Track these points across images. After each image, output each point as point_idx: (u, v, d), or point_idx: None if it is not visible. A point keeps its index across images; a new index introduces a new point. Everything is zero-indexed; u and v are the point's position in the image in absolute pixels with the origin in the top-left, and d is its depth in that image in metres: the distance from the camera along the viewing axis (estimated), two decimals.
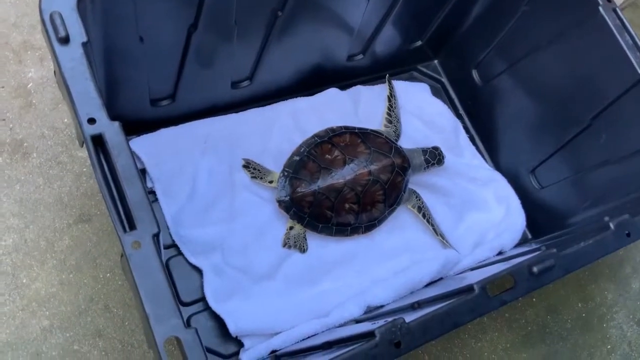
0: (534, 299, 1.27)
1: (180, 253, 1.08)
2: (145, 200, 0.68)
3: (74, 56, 0.72)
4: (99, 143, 0.70)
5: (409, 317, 0.78)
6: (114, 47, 0.91)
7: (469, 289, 0.77)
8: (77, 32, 0.73)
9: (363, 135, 1.18)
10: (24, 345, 0.95)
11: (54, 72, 0.75)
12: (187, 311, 1.05)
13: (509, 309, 1.25)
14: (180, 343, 0.64)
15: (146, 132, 1.12)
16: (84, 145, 0.70)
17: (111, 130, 0.70)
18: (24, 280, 0.99)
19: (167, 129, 1.13)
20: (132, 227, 0.66)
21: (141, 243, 0.66)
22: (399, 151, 1.18)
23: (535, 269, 0.79)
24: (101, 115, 0.70)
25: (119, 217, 0.66)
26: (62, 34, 0.72)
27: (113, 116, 1.05)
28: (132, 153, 1.05)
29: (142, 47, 0.93)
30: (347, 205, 1.13)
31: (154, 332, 0.63)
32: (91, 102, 0.71)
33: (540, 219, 1.28)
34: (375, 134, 1.20)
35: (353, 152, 1.15)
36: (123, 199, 0.68)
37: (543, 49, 1.19)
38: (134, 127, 1.11)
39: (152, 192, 1.11)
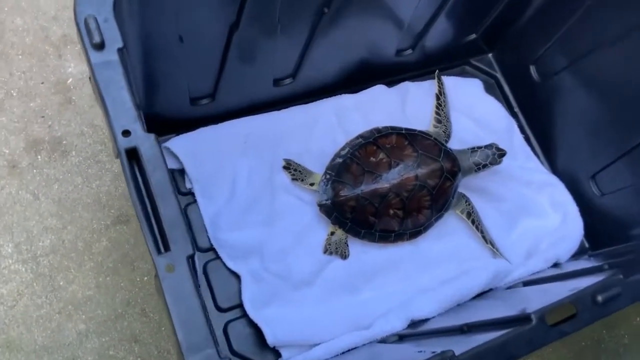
0: None
1: (218, 257, 1.05)
2: (179, 219, 0.64)
3: (108, 63, 0.68)
4: (133, 156, 0.66)
5: (457, 342, 0.73)
6: (152, 47, 0.87)
7: (525, 318, 0.71)
8: (113, 38, 0.69)
9: (410, 137, 1.12)
10: (60, 349, 0.94)
11: (89, 77, 0.71)
12: (224, 317, 1.02)
13: None
14: None
15: (185, 131, 1.09)
16: (119, 157, 0.66)
17: (146, 144, 0.66)
18: (61, 283, 0.98)
19: (206, 128, 1.09)
20: (167, 248, 0.63)
21: (175, 266, 0.62)
22: (449, 154, 1.11)
23: (599, 298, 0.72)
24: (136, 127, 0.67)
25: (152, 237, 0.63)
26: (96, 39, 0.68)
27: (152, 115, 1.05)
28: (170, 157, 1.07)
29: (181, 47, 0.89)
30: (391, 211, 1.07)
31: None
32: (126, 113, 0.67)
33: (600, 229, 1.20)
34: (423, 135, 1.13)
35: (399, 155, 1.09)
36: (157, 217, 0.64)
37: (608, 46, 1.09)
38: (173, 126, 1.08)
39: (191, 194, 1.08)
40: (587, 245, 1.22)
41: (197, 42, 0.89)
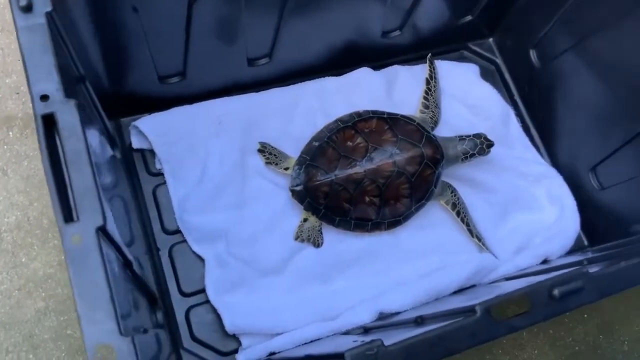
0: (585, 315, 1.11)
1: (185, 240, 1.02)
2: (93, 189, 0.61)
3: (34, 26, 0.66)
4: (51, 123, 0.63)
5: (408, 334, 0.67)
6: (106, 19, 0.84)
7: (470, 309, 0.65)
8: (42, 1, 0.67)
9: (392, 121, 1.06)
10: (17, 325, 0.93)
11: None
12: (187, 302, 1.00)
13: (553, 324, 1.10)
14: (112, 352, 0.56)
15: (158, 112, 1.06)
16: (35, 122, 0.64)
17: (65, 110, 0.63)
18: (23, 259, 0.97)
19: (179, 107, 1.07)
20: (74, 218, 0.60)
21: (82, 237, 0.59)
22: (431, 140, 1.05)
23: (556, 292, 0.65)
24: (56, 93, 0.64)
25: (61, 204, 0.60)
26: (23, 2, 0.66)
27: (122, 93, 1.03)
28: (140, 136, 1.05)
29: (137, 18, 0.86)
30: (367, 198, 1.02)
31: (85, 335, 0.56)
32: (47, 77, 0.64)
33: (600, 224, 1.11)
34: (406, 120, 1.07)
35: (377, 139, 1.03)
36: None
37: (614, 25, 1.00)
38: (145, 105, 1.06)
39: (161, 174, 1.05)
40: (585, 241, 1.13)
41: (154, 13, 0.86)
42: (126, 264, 0.72)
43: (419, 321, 0.77)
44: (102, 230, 0.61)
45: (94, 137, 0.80)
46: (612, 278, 0.67)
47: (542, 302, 0.66)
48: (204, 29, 0.94)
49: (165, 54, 0.96)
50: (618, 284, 0.67)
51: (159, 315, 0.90)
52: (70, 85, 0.70)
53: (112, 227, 0.64)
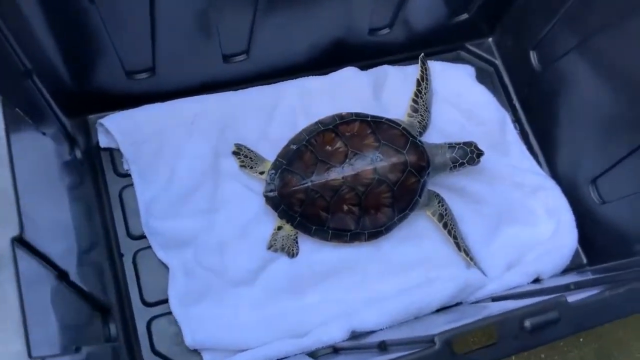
0: (581, 339, 1.02)
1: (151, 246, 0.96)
2: (8, 195, 0.55)
3: None
4: None
5: None
6: (59, 11, 0.79)
7: (429, 340, 0.58)
8: None
9: (375, 125, 0.99)
10: None
11: None
12: (149, 313, 0.94)
13: (545, 349, 1.02)
14: None
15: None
16: None
17: None
18: None
19: (149, 105, 1.01)
20: None
21: None
22: (416, 147, 0.97)
23: (528, 323, 0.58)
24: None
25: None
26: None
27: (88, 90, 0.98)
28: (107, 134, 1.00)
29: (94, 9, 0.80)
30: (345, 207, 0.95)
31: None
32: None
33: (599, 241, 1.03)
34: (390, 124, 1.00)
35: (358, 144, 0.96)
36: None
37: (619, 25, 0.92)
38: (114, 102, 1.00)
39: (128, 175, 1.00)
40: (584, 259, 1.05)
41: (112, 3, 0.80)
42: (61, 275, 0.66)
43: (382, 347, 0.70)
44: (20, 241, 0.55)
45: (40, 135, 0.75)
46: (592, 310, 0.60)
47: (511, 333, 0.58)
48: (171, 22, 0.88)
49: (130, 48, 0.90)
50: (598, 317, 0.60)
51: (113, 328, 0.84)
52: (7, 80, 0.65)
53: (34, 236, 0.58)
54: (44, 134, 0.74)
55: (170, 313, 0.93)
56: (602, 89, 0.98)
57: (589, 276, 0.90)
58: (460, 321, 0.90)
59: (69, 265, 0.73)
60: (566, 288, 0.76)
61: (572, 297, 0.63)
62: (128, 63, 0.93)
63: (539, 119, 1.13)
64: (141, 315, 0.93)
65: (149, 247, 0.96)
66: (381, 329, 0.91)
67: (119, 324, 0.88)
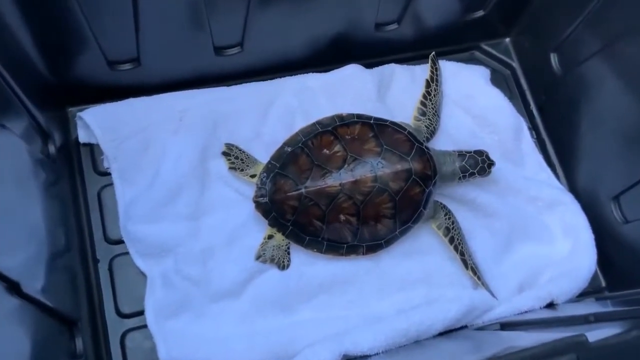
0: None
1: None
2: None
3: None
4: None
5: None
6: None
7: None
8: None
9: (378, 128, 0.91)
10: None
11: None
12: (124, 325, 0.87)
13: None
14: None
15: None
16: None
17: None
18: None
19: (133, 99, 0.93)
20: None
21: None
22: (423, 154, 0.89)
23: None
24: None
25: None
26: None
27: (69, 81, 0.90)
28: (87, 129, 0.92)
29: None
30: (342, 217, 0.87)
31: None
32: None
33: (621, 264, 0.94)
34: (395, 127, 0.91)
35: (358, 148, 0.88)
36: None
37: None
38: (97, 94, 0.93)
39: (109, 174, 0.92)
40: (602, 282, 0.96)
41: None
42: (11, 287, 0.59)
43: None
44: None
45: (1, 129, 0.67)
46: (615, 352, 0.51)
47: None
48: (156, 8, 0.80)
49: (111, 36, 0.83)
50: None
51: (79, 342, 0.77)
52: None
53: None
54: (3, 126, 0.67)
55: (146, 326, 0.85)
56: (628, 97, 0.89)
57: (609, 306, 0.81)
58: (465, 347, 0.82)
59: (28, 273, 0.65)
60: (585, 320, 0.67)
61: (592, 334, 0.54)
62: (110, 52, 0.86)
63: (558, 127, 1.04)
64: (115, 328, 0.86)
65: (128, 252, 0.89)
66: (377, 354, 0.83)
67: (88, 338, 0.81)
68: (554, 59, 1.01)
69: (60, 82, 0.88)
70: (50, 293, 0.71)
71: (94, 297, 0.86)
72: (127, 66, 0.89)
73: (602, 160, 0.96)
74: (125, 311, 0.87)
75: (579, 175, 1.01)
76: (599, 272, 0.96)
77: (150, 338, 0.84)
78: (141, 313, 0.86)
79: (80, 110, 0.92)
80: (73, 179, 0.91)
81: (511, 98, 1.05)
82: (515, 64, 1.11)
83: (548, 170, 1.03)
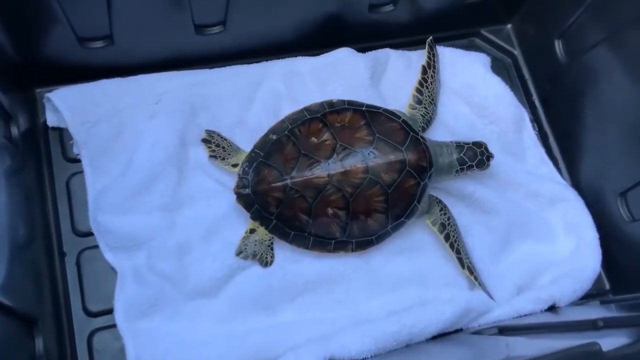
0: None
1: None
2: None
3: None
4: None
5: None
6: None
7: None
8: None
9: (370, 116, 0.84)
10: None
11: None
12: (91, 324, 0.81)
13: None
14: None
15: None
16: None
17: None
18: None
19: (106, 80, 0.87)
20: None
21: None
22: (418, 144, 0.83)
23: None
24: None
25: None
26: None
27: (36, 59, 0.83)
28: (56, 112, 0.84)
29: None
30: (330, 211, 0.81)
31: None
32: None
33: (627, 265, 0.88)
34: (388, 115, 0.85)
35: (349, 137, 0.82)
36: None
37: None
38: (68, 75, 0.86)
39: (79, 161, 0.85)
40: (606, 284, 0.91)
41: None
42: None
43: None
44: None
45: None
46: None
47: None
48: None
49: (81, 10, 0.77)
50: None
51: (40, 343, 0.70)
52: None
53: None
54: None
55: (115, 326, 0.78)
56: (637, 89, 0.84)
57: (614, 310, 0.75)
58: (461, 353, 0.76)
59: None
60: (593, 325, 0.61)
61: (603, 342, 0.48)
62: (80, 28, 0.79)
63: (562, 120, 0.99)
64: (82, 328, 0.80)
65: (97, 245, 0.82)
66: (365, 358, 0.77)
67: (51, 339, 0.74)
68: (558, 46, 0.95)
69: (25, 60, 0.81)
70: (7, 290, 0.65)
71: (59, 293, 0.80)
72: (99, 44, 0.83)
73: (608, 154, 0.91)
74: (93, 309, 0.81)
75: (583, 170, 0.95)
76: (603, 273, 0.91)
77: (120, 339, 0.78)
78: (110, 311, 0.80)
79: (50, 92, 0.85)
80: (39, 165, 0.84)
81: (512, 88, 1.00)
82: (517, 52, 1.05)
83: (550, 164, 0.97)
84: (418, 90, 0.93)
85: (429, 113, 0.92)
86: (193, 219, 0.84)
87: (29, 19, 0.76)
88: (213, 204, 0.85)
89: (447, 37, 1.03)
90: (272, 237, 0.84)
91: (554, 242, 0.91)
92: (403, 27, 0.98)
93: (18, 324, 0.67)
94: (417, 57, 0.98)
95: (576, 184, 0.96)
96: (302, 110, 0.86)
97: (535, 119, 1.01)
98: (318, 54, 0.95)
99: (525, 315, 0.83)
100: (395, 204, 0.82)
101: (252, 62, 0.93)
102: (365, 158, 0.80)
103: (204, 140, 0.87)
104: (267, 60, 0.94)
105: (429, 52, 0.96)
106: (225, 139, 0.87)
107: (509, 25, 1.06)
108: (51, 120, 0.86)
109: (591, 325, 0.62)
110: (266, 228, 0.83)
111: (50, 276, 0.79)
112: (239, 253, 0.83)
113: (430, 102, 0.93)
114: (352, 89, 0.92)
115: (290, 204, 0.80)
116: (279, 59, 0.94)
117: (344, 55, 0.94)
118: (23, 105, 0.83)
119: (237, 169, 0.84)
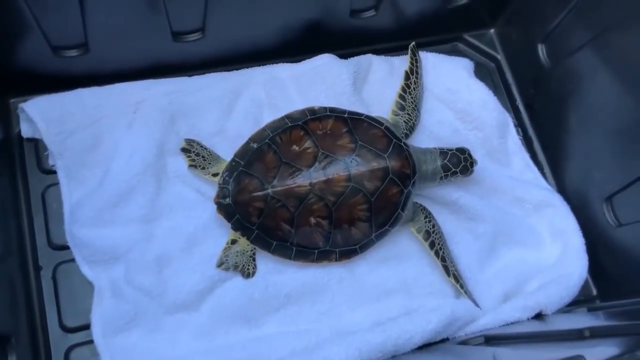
0: None
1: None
2: None
3: None
4: None
5: None
6: None
7: None
8: None
9: (352, 123, 0.83)
10: None
11: None
12: (68, 340, 0.80)
13: None
14: None
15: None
16: None
17: None
18: None
19: (82, 89, 0.85)
20: None
21: None
22: (401, 151, 0.81)
23: None
24: None
25: None
26: None
27: (9, 68, 0.81)
28: (30, 122, 0.81)
29: None
30: (313, 220, 0.79)
31: None
32: None
33: (613, 271, 0.88)
34: (371, 122, 0.84)
35: (331, 145, 0.80)
36: None
37: None
38: (43, 84, 0.85)
39: (55, 172, 0.83)
40: (593, 290, 0.90)
41: None
42: None
43: None
44: None
45: None
46: None
47: None
48: None
49: (54, 18, 0.75)
50: None
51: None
52: None
53: None
54: None
55: (93, 341, 0.76)
56: (622, 91, 0.83)
57: (601, 318, 0.74)
58: None
59: None
60: (580, 335, 0.60)
61: (589, 352, 0.47)
62: (54, 36, 0.78)
63: (546, 124, 0.98)
64: (58, 344, 0.79)
65: (74, 259, 0.80)
66: None
67: (26, 356, 0.72)
68: (541, 50, 0.94)
69: (7, 68, 0.79)
70: None
71: (35, 308, 0.78)
72: (73, 52, 0.81)
73: (593, 158, 0.90)
74: (70, 325, 0.79)
75: (569, 175, 0.94)
76: (590, 279, 0.90)
77: (98, 355, 0.76)
78: (88, 327, 0.78)
79: (24, 102, 0.83)
80: (13, 177, 0.83)
81: (496, 93, 0.99)
82: (500, 57, 1.04)
83: (535, 169, 0.96)
84: (401, 97, 0.92)
85: (412, 119, 0.90)
86: (172, 230, 0.82)
87: (11, 33, 0.74)
88: (193, 215, 0.84)
89: (430, 42, 1.02)
90: (254, 248, 0.82)
91: (540, 249, 0.90)
92: (385, 32, 0.97)
93: None
94: (400, 63, 0.97)
95: (561, 189, 0.95)
96: (283, 118, 0.85)
97: (520, 124, 1.00)
98: (300, 61, 0.93)
99: (512, 323, 0.82)
100: (379, 212, 0.81)
101: (232, 70, 0.92)
102: (348, 166, 0.79)
103: (184, 150, 0.85)
104: (247, 68, 0.92)
105: (411, 58, 0.95)
106: (206, 148, 0.86)
107: (492, 30, 1.05)
108: (26, 131, 0.84)
109: (578, 335, 0.61)
110: (248, 238, 0.81)
111: (25, 291, 0.77)
112: (220, 264, 0.81)
113: (413, 108, 0.91)
114: (334, 95, 0.91)
115: (272, 214, 0.79)
116: (259, 65, 0.93)
117: (326, 62, 0.93)
118: None
119: (217, 179, 0.82)
